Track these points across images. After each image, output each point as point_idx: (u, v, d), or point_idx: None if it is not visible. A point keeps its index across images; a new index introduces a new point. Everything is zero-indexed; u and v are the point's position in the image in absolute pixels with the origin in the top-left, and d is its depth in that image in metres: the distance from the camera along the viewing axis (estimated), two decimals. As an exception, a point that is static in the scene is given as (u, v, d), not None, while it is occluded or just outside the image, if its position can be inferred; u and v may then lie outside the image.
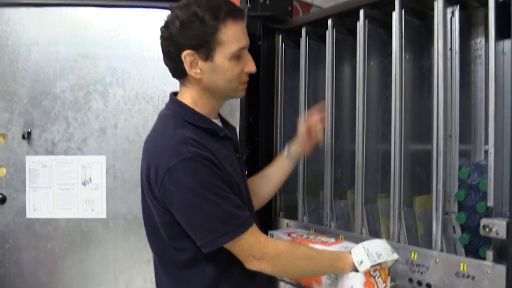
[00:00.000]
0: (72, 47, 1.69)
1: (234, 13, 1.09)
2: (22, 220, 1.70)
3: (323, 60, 1.62)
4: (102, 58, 1.69)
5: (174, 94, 1.22)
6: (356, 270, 1.16)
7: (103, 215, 1.69)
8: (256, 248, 1.07)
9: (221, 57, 1.08)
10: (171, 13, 1.10)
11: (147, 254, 1.69)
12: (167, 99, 1.66)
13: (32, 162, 1.69)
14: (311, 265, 1.15)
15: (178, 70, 1.13)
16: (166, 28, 1.10)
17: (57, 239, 1.71)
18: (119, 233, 1.70)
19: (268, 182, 1.44)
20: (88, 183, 1.69)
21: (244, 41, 1.12)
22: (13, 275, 1.72)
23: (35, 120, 1.69)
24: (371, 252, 1.15)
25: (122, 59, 1.69)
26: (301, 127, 1.44)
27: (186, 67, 1.09)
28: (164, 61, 1.16)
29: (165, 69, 1.66)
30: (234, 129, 1.32)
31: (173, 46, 1.09)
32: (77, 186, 1.69)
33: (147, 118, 1.69)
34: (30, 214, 1.70)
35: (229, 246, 1.07)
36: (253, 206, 1.28)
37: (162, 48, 1.13)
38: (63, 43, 1.69)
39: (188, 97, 1.16)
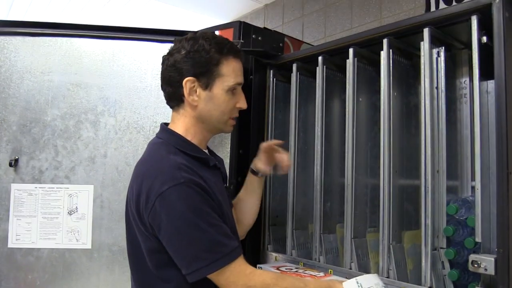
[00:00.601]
0: (65, 76, 1.70)
1: (236, 51, 1.19)
2: (3, 250, 1.65)
3: (313, 95, 1.66)
4: (95, 88, 1.70)
5: (165, 124, 1.25)
6: None
7: (88, 245, 1.65)
8: (241, 281, 1.05)
9: (219, 88, 1.15)
10: (177, 43, 1.17)
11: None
12: (158, 130, 1.69)
13: (18, 190, 1.66)
14: None
15: (175, 96, 1.18)
16: (170, 55, 1.16)
17: (39, 270, 1.65)
18: (103, 265, 1.65)
19: (243, 204, 1.46)
20: (74, 212, 1.66)
21: (240, 78, 1.20)
22: (-10, 307, 1.65)
23: (24, 148, 1.67)
24: (365, 287, 1.14)
25: (115, 89, 1.71)
26: (263, 145, 1.46)
27: (185, 92, 1.14)
28: (162, 87, 1.21)
29: (157, 100, 1.72)
30: (222, 160, 1.35)
31: (176, 71, 1.14)
32: (63, 215, 1.65)
33: (137, 148, 1.68)
34: (12, 243, 1.65)
35: (214, 277, 1.05)
36: (238, 235, 1.28)
37: (163, 74, 1.19)
38: (57, 72, 1.70)
39: (180, 125, 1.19)
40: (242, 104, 1.22)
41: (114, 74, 1.72)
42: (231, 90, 1.18)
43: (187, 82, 1.14)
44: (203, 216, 1.04)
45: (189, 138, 1.18)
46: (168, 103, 1.23)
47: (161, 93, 1.68)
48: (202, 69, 1.13)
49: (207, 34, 1.18)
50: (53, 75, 1.70)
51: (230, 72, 1.16)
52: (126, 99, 1.71)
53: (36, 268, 1.65)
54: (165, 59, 1.18)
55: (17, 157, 1.66)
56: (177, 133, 1.18)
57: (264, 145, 1.45)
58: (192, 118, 1.19)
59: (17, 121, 1.68)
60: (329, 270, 1.47)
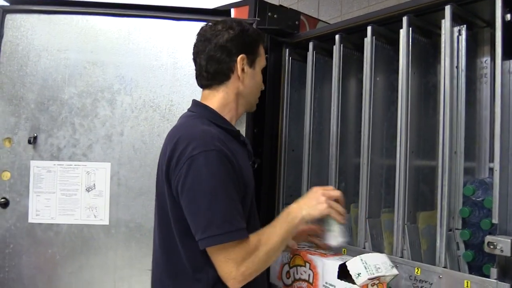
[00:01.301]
0: (81, 54, 1.71)
1: (262, 35, 1.31)
2: (23, 225, 1.69)
3: (329, 74, 1.64)
4: (111, 66, 1.71)
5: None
6: (353, 283, 1.14)
7: (105, 221, 1.68)
8: (239, 255, 1.05)
9: (259, 67, 1.26)
10: (218, 25, 1.22)
11: (147, 263, 1.67)
12: (174, 108, 1.71)
13: (37, 167, 1.69)
14: (278, 239, 1.11)
15: (223, 72, 1.21)
16: (215, 36, 1.20)
17: (58, 245, 1.70)
18: (121, 241, 1.69)
19: None
20: (91, 189, 1.68)
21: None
22: (12, 280, 1.70)
23: (42, 125, 1.70)
24: (369, 264, 1.13)
25: (130, 67, 1.71)
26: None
27: (239, 68, 1.20)
28: (205, 66, 1.21)
29: (173, 78, 1.72)
30: (248, 140, 1.36)
31: (225, 51, 1.19)
32: (81, 192, 1.68)
33: (153, 126, 1.69)
34: (32, 219, 1.69)
35: (216, 250, 1.05)
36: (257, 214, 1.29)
37: (208, 53, 1.20)
38: (73, 50, 1.71)
39: (216, 101, 1.22)
40: (262, 86, 1.32)
41: (129, 52, 1.71)
42: (261, 71, 1.27)
43: (241, 60, 1.20)
44: (225, 187, 1.06)
45: (222, 113, 1.22)
46: (206, 81, 1.23)
47: (177, 71, 1.71)
48: (250, 48, 1.22)
49: (239, 20, 1.29)
50: (69, 53, 1.71)
51: (263, 54, 1.27)
52: (142, 77, 1.71)
53: (55, 243, 1.70)
54: (209, 39, 1.20)
55: (35, 135, 1.69)
56: (209, 107, 1.22)
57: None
58: (233, 94, 1.23)
59: (35, 99, 1.70)
60: (343, 250, 1.48)
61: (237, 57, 1.19)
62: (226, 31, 1.20)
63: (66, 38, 1.71)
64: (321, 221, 1.22)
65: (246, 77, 1.22)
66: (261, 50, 1.27)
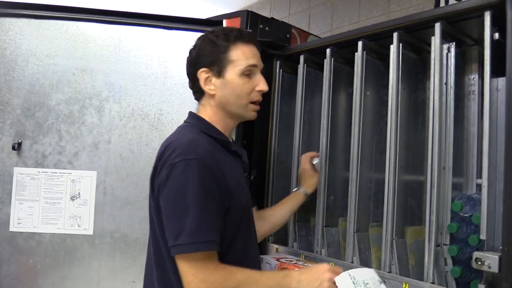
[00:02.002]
0: (70, 60, 1.69)
1: (244, 36, 1.23)
2: (4, 233, 1.65)
3: (320, 87, 1.65)
4: (100, 73, 1.69)
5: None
6: None
7: (89, 231, 1.64)
8: (201, 274, 1.04)
9: (231, 73, 1.20)
10: (194, 42, 1.27)
11: (132, 275, 1.65)
12: (163, 117, 1.70)
13: (20, 174, 1.65)
14: None
15: (196, 88, 1.25)
16: (189, 54, 1.26)
17: (40, 254, 1.65)
18: (105, 251, 1.65)
19: (282, 213, 1.56)
20: (76, 198, 1.65)
21: (253, 60, 1.22)
22: (-10, 290, 1.65)
23: (27, 131, 1.66)
24: (358, 280, 1.12)
25: (120, 75, 1.69)
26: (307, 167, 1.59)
27: (201, 83, 1.21)
28: (189, 85, 1.29)
29: (163, 87, 1.71)
30: (245, 152, 1.37)
31: (192, 67, 1.23)
32: (65, 201, 1.65)
33: (141, 135, 1.67)
34: (14, 227, 1.65)
35: (180, 260, 1.05)
36: (255, 227, 1.29)
37: (187, 69, 1.28)
38: (62, 56, 1.69)
39: (206, 114, 1.25)
40: (262, 86, 1.24)
41: (120, 60, 1.70)
42: (245, 74, 1.21)
43: (201, 73, 1.21)
44: (200, 197, 1.05)
45: (215, 125, 1.24)
46: (194, 97, 1.30)
47: (167, 80, 1.71)
48: (211, 58, 1.20)
49: (216, 29, 1.27)
50: (58, 59, 1.69)
51: (240, 57, 1.20)
52: (132, 85, 1.69)
53: (37, 252, 1.65)
54: (187, 58, 1.27)
55: (20, 141, 1.65)
56: (202, 118, 1.24)
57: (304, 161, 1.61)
58: (213, 107, 1.24)
59: (21, 104, 1.67)
60: (331, 263, 1.47)
61: (197, 72, 1.21)
62: (195, 46, 1.24)
63: (55, 43, 1.69)
64: None
65: (217, 89, 1.21)
66: (235, 54, 1.20)
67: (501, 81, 1.24)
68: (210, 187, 1.08)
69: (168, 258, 1.11)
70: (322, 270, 1.12)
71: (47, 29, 1.70)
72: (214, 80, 1.20)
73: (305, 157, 1.64)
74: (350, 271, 1.13)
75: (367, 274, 1.16)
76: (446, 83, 1.33)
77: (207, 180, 1.07)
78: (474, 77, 1.43)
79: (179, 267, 1.06)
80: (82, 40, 1.70)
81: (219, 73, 1.20)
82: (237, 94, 1.21)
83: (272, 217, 1.52)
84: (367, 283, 1.13)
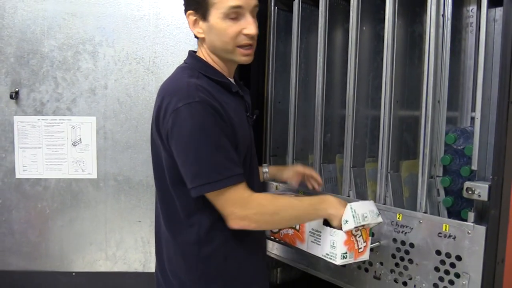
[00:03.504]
0: (59, 5, 1.65)
1: None
2: (11, 180, 1.70)
3: (316, 24, 1.62)
4: (91, 17, 1.66)
5: (193, 52, 1.27)
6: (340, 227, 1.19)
7: (93, 175, 1.69)
8: (238, 204, 1.09)
9: (215, 17, 1.13)
10: None
11: (137, 215, 1.72)
12: (157, 60, 1.68)
13: (21, 122, 1.68)
14: (295, 213, 1.19)
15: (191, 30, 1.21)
16: None
17: (47, 199, 1.71)
18: (110, 194, 1.71)
19: None
20: (78, 143, 1.68)
21: (236, 0, 1.12)
22: (3, 234, 1.73)
23: (23, 80, 1.66)
24: (357, 213, 1.18)
25: (111, 18, 1.66)
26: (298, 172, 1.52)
27: (190, 26, 1.18)
28: None
29: (156, 29, 1.68)
30: (248, 91, 1.35)
31: (184, 8, 1.19)
32: (67, 147, 1.68)
33: (137, 79, 1.67)
34: (20, 174, 1.69)
35: (213, 197, 1.09)
36: (258, 167, 1.33)
37: None
38: (51, 1, 1.65)
39: (201, 55, 1.23)
40: (249, 29, 1.14)
41: (110, 2, 1.66)
42: (229, 17, 1.12)
43: (189, 16, 1.17)
44: (211, 137, 1.07)
45: (212, 65, 1.21)
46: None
47: (160, 22, 1.68)
48: (195, 1, 1.15)
49: None
50: (46, 4, 1.65)
51: None
52: (124, 28, 1.67)
53: (44, 197, 1.71)
54: None
55: (17, 90, 1.66)
56: (201, 59, 1.21)
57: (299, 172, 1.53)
58: (206, 49, 1.21)
59: (14, 52, 1.66)
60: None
61: (186, 13, 1.18)
62: None
63: (42, -13, 1.65)
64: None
65: (205, 33, 1.16)
66: None
67: (499, 11, 1.22)
68: (219, 126, 1.09)
69: (176, 197, 1.15)
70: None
71: (32, -28, 1.64)
72: (201, 23, 1.16)
73: (301, 175, 1.54)
74: (352, 204, 1.18)
75: (367, 207, 1.22)
76: (443, 15, 1.31)
77: (214, 120, 1.08)
78: (472, 8, 1.40)
79: (215, 204, 1.10)
80: (69, -17, 1.65)
81: (204, 17, 1.14)
82: (222, 39, 1.14)
83: None
84: (366, 216, 1.19)
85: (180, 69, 1.22)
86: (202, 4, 1.13)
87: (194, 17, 1.16)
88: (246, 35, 1.15)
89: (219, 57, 1.20)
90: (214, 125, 1.07)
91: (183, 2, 1.20)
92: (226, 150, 1.09)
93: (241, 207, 1.10)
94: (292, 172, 1.53)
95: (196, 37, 1.23)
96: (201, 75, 1.16)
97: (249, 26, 1.14)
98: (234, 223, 1.11)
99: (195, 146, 1.06)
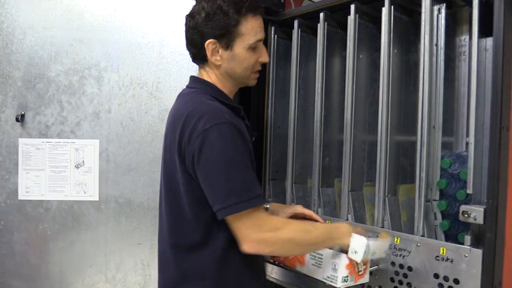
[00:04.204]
0: (67, 32, 1.71)
1: (255, 9, 1.22)
2: (14, 202, 1.72)
3: (314, 52, 1.67)
4: (98, 43, 1.71)
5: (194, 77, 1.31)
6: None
7: (95, 197, 1.71)
8: (256, 228, 1.10)
9: (240, 47, 1.21)
10: (197, 4, 1.21)
11: (138, 237, 1.74)
12: (160, 86, 1.73)
13: (25, 144, 1.71)
14: (310, 239, 1.20)
15: (200, 56, 1.24)
16: (192, 18, 1.21)
17: (49, 221, 1.73)
18: (111, 216, 1.72)
19: None
20: (81, 166, 1.71)
21: (261, 34, 1.24)
22: (4, 256, 1.73)
23: (29, 103, 1.71)
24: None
25: (117, 44, 1.72)
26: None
27: (208, 54, 1.20)
28: (187, 46, 1.27)
29: (159, 56, 1.73)
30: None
31: (197, 34, 1.20)
32: (70, 169, 1.71)
33: (140, 103, 1.71)
34: (22, 195, 1.71)
35: (234, 218, 1.09)
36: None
37: (186, 35, 1.24)
38: (59, 28, 1.71)
39: (210, 77, 1.26)
40: (265, 58, 1.28)
41: (116, 30, 1.72)
42: (252, 48, 1.22)
43: (209, 44, 1.20)
44: (241, 157, 1.10)
45: (220, 89, 1.25)
46: (193, 61, 1.29)
47: (163, 48, 1.73)
48: (222, 31, 1.18)
49: None
50: (55, 31, 1.71)
51: (249, 31, 1.21)
52: (129, 54, 1.72)
53: (46, 219, 1.73)
54: (188, 20, 1.23)
55: (23, 112, 1.70)
56: (210, 83, 1.24)
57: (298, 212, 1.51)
58: (218, 75, 1.25)
59: (22, 76, 1.71)
60: (327, 222, 1.54)
61: (205, 42, 1.19)
62: (202, 10, 1.19)
63: (51, 15, 1.71)
64: None
65: (223, 61, 1.22)
66: (245, 28, 1.20)
67: (489, 41, 1.27)
68: (244, 149, 1.12)
69: (191, 219, 1.16)
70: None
71: (42, 0, 1.71)
72: (222, 52, 1.20)
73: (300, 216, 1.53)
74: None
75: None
76: (436, 45, 1.36)
77: (241, 142, 1.11)
78: (465, 38, 1.45)
79: (232, 227, 1.11)
80: (77, 11, 1.71)
81: (227, 46, 1.20)
82: (244, 67, 1.24)
83: None
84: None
85: (190, 94, 1.24)
86: (229, 35, 1.19)
87: (214, 46, 1.20)
88: (261, 62, 1.27)
89: (234, 81, 1.27)
90: (242, 146, 1.11)
91: (196, 28, 1.20)
92: (252, 171, 1.13)
93: (258, 230, 1.10)
94: (291, 211, 1.52)
95: (199, 62, 1.26)
96: (214, 99, 1.20)
97: (264, 55, 1.27)
98: (249, 247, 1.11)
99: (227, 166, 1.08)
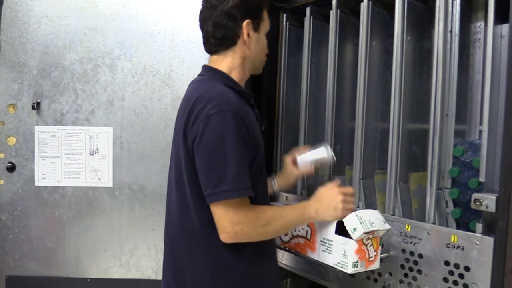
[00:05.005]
0: (81, 20, 1.73)
1: None
2: (30, 188, 1.76)
3: (326, 39, 1.66)
4: (111, 32, 1.73)
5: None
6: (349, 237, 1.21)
7: (109, 184, 1.74)
8: (236, 218, 1.11)
9: (263, 31, 1.28)
10: None
11: (151, 223, 1.77)
12: (173, 73, 1.74)
13: (41, 132, 1.74)
14: (283, 222, 1.21)
15: (230, 38, 1.23)
16: (221, 3, 1.21)
17: (64, 206, 1.77)
18: (125, 202, 1.76)
19: None
20: (95, 153, 1.74)
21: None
22: (22, 240, 1.78)
23: (45, 91, 1.74)
24: (364, 220, 1.20)
25: (130, 33, 1.73)
26: (288, 160, 1.52)
27: (245, 33, 1.22)
28: (212, 33, 1.24)
29: (172, 44, 1.74)
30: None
31: (232, 16, 1.21)
32: (85, 156, 1.74)
33: (153, 91, 1.73)
34: (39, 182, 1.75)
35: (218, 205, 1.11)
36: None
37: (215, 20, 1.22)
38: (73, 17, 1.73)
39: (224, 66, 1.26)
40: (267, 49, 1.34)
41: (129, 18, 1.73)
42: (266, 34, 1.29)
43: (246, 24, 1.22)
44: (237, 148, 1.11)
45: (232, 76, 1.26)
46: (214, 47, 1.27)
47: (176, 36, 1.74)
48: (255, 13, 1.24)
49: None
50: (69, 20, 1.73)
51: (267, 17, 1.29)
52: (141, 43, 1.73)
53: (62, 204, 1.77)
54: (215, 5, 1.22)
55: (39, 100, 1.73)
56: (220, 71, 1.25)
57: (288, 160, 1.52)
58: (240, 58, 1.26)
59: (37, 65, 1.74)
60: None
61: (243, 22, 1.21)
62: None
63: (65, 4, 1.73)
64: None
65: (252, 42, 1.25)
66: (265, 15, 1.28)
67: (505, 28, 1.25)
68: (244, 138, 1.13)
69: (195, 208, 1.17)
70: (333, 194, 1.24)
71: (56, -11, 1.73)
72: (252, 33, 1.24)
73: (290, 155, 1.55)
74: (357, 212, 1.21)
75: (373, 215, 1.24)
76: (451, 31, 1.34)
77: (241, 131, 1.12)
78: (480, 25, 1.43)
79: (214, 213, 1.13)
80: (91, 0, 1.73)
81: (256, 28, 1.25)
82: (263, 51, 1.30)
83: None
84: (373, 223, 1.21)
85: (200, 81, 1.26)
86: (260, 17, 1.25)
87: (249, 26, 1.23)
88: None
89: (251, 65, 1.29)
90: (240, 137, 1.11)
91: (231, 13, 1.21)
92: (246, 163, 1.13)
93: (237, 220, 1.11)
94: (285, 165, 1.53)
95: (218, 48, 1.25)
96: (224, 86, 1.20)
97: (267, 47, 1.33)
98: (224, 237, 1.13)
99: (224, 153, 1.09)
